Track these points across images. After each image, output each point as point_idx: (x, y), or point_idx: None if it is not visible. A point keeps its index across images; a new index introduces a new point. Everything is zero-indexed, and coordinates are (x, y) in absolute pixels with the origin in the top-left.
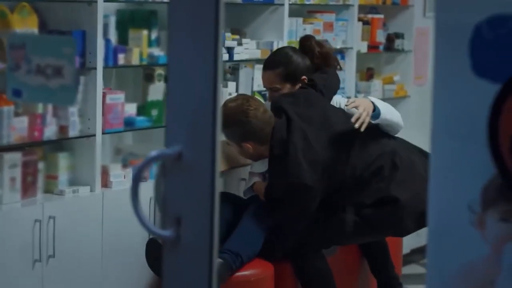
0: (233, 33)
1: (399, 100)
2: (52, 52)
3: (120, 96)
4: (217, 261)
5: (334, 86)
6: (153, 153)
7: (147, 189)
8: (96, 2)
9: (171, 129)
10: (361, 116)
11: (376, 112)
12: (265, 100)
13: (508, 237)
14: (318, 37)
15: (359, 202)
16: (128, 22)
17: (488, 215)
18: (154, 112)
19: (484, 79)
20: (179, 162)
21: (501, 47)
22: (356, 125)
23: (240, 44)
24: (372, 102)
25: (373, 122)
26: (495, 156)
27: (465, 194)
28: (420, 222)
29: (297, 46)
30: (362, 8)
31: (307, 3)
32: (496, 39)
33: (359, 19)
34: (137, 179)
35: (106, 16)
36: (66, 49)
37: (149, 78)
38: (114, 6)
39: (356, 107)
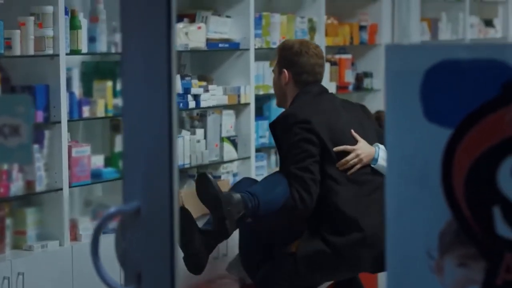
0: (199, 80)
1: None
2: (8, 111)
3: (86, 148)
4: (235, 196)
5: None
6: (111, 210)
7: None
8: (59, 55)
9: (128, 184)
10: (350, 161)
11: (374, 157)
12: (235, 145)
13: (466, 282)
14: None
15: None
16: (92, 73)
17: (446, 260)
18: (121, 163)
19: (436, 124)
20: (138, 217)
21: (451, 92)
22: (340, 168)
23: (207, 90)
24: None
25: (371, 165)
26: (450, 201)
27: (422, 239)
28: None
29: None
30: (330, 49)
31: (273, 46)
32: (446, 84)
33: (327, 60)
34: (96, 238)
35: (69, 69)
36: (22, 108)
37: (115, 128)
38: (79, 58)
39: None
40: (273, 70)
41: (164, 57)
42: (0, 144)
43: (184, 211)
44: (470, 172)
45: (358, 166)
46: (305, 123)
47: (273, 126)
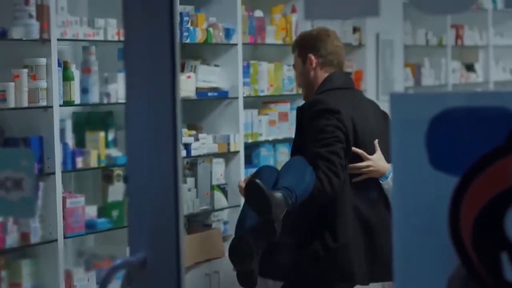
0: (189, 129)
1: None
2: (10, 165)
3: (80, 199)
4: (278, 196)
5: None
6: (117, 261)
7: None
8: (52, 107)
9: (134, 236)
10: (360, 169)
11: (385, 174)
12: (225, 193)
13: None
14: (273, 128)
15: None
16: (84, 124)
17: None
18: (115, 213)
19: (442, 171)
20: (144, 268)
21: (457, 140)
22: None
23: (197, 139)
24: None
25: (380, 181)
26: (458, 248)
27: (431, 285)
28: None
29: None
30: None
31: (261, 94)
32: (451, 132)
33: None
34: None
35: (62, 120)
36: (25, 161)
37: (108, 179)
38: (70, 109)
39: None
40: (293, 66)
41: (169, 107)
42: (2, 198)
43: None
44: (477, 219)
45: (364, 176)
46: (335, 112)
47: (300, 110)
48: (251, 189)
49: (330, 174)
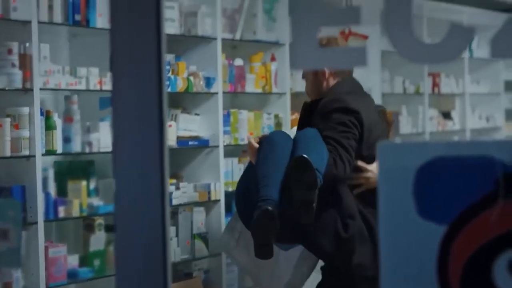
0: (170, 177)
1: None
2: None
3: (62, 249)
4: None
5: None
6: None
7: None
8: (35, 156)
9: (121, 285)
10: (363, 179)
11: None
12: (206, 242)
13: None
14: None
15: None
16: (66, 173)
17: None
18: (97, 262)
19: (430, 221)
20: None
21: (444, 189)
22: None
23: (177, 188)
24: None
25: None
26: None
27: None
28: None
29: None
30: None
31: (241, 143)
32: (438, 181)
33: None
34: None
35: (45, 170)
36: (12, 212)
37: (89, 228)
38: (51, 158)
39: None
40: (303, 76)
41: (157, 156)
42: None
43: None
44: (466, 268)
45: (363, 188)
46: (355, 112)
47: (311, 105)
48: (298, 164)
49: (342, 156)
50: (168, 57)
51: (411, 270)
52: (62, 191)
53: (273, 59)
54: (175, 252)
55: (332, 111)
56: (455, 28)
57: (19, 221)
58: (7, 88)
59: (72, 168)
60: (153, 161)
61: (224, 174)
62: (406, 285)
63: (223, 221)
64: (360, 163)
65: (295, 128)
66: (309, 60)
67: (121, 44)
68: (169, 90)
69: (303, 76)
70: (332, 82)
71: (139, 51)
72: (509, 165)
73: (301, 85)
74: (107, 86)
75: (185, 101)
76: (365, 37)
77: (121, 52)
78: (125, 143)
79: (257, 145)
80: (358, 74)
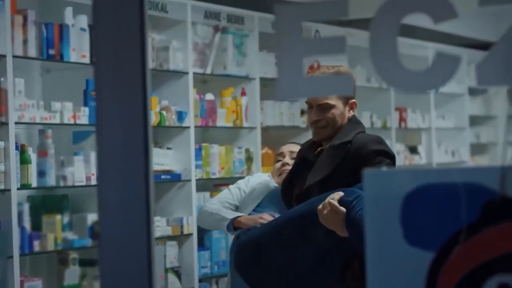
0: None
1: None
2: None
3: (37, 283)
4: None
5: None
6: None
7: None
8: (10, 190)
9: None
10: None
11: None
12: (178, 276)
13: None
14: None
15: None
16: (40, 207)
17: None
18: None
19: (417, 247)
20: None
21: (431, 216)
22: None
23: None
24: None
25: None
26: None
27: None
28: None
29: None
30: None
31: (213, 177)
32: (425, 208)
33: None
34: None
35: (20, 204)
36: None
37: (63, 262)
38: (25, 192)
39: None
40: (329, 104)
41: (142, 188)
42: None
43: None
44: None
45: None
46: (393, 157)
47: (348, 145)
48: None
49: None
50: None
51: None
52: (36, 225)
53: (243, 93)
54: None
55: (375, 153)
56: (441, 57)
57: (4, 252)
58: None
59: (46, 202)
60: (138, 192)
61: (196, 208)
62: None
63: (196, 255)
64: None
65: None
66: (296, 89)
67: (105, 75)
68: None
69: (311, 106)
70: (347, 115)
71: (124, 82)
72: (495, 191)
73: (271, 119)
74: (81, 120)
75: (158, 135)
76: None
77: (105, 84)
78: (110, 173)
79: (340, 209)
80: None
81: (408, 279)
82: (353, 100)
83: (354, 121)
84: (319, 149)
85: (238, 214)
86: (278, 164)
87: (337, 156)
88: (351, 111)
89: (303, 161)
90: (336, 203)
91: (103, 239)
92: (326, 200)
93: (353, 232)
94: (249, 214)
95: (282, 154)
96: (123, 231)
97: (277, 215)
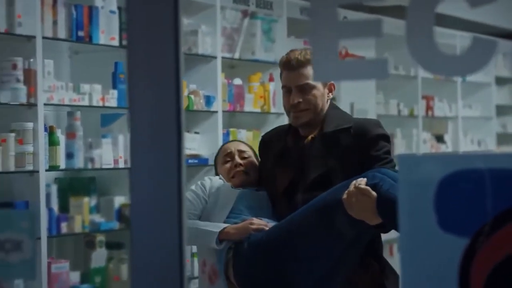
0: None
1: None
2: (10, 227)
3: (64, 265)
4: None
5: None
6: None
7: None
8: (38, 172)
9: None
10: None
11: None
12: None
13: None
14: None
15: None
16: (67, 189)
17: None
18: (98, 279)
19: (451, 233)
20: None
21: (465, 202)
22: None
23: None
24: None
25: None
26: None
27: None
28: None
29: None
30: None
31: None
32: (460, 194)
33: None
34: None
35: (48, 185)
36: (25, 223)
37: (90, 245)
38: (52, 174)
39: None
40: (310, 84)
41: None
42: (1, 260)
43: None
44: (488, 281)
45: None
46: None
47: (350, 130)
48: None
49: None
50: None
51: (432, 283)
52: (64, 207)
53: (271, 79)
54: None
55: (382, 136)
56: (477, 42)
57: (32, 232)
58: (11, 103)
59: (73, 185)
60: (171, 176)
61: None
62: None
63: None
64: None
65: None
66: (332, 72)
67: (138, 59)
68: None
69: (289, 90)
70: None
71: (156, 66)
72: None
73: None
74: (110, 102)
75: (185, 119)
76: (362, 58)
77: (137, 67)
78: (142, 158)
79: (375, 193)
80: (355, 96)
81: (442, 265)
82: (332, 82)
83: (335, 106)
84: (310, 136)
85: (223, 225)
86: (228, 165)
87: (341, 143)
88: (330, 93)
89: (284, 150)
90: (367, 187)
91: (135, 223)
92: (351, 188)
93: (389, 214)
94: (225, 222)
95: (230, 155)
96: (155, 215)
97: (266, 219)
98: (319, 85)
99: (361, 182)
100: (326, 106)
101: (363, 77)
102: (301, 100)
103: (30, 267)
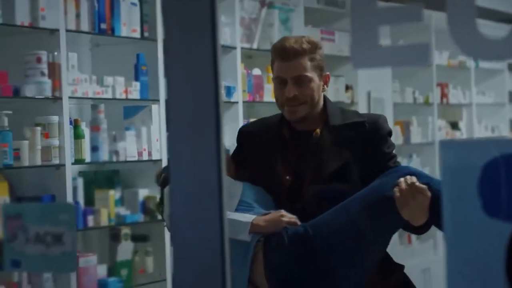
0: None
1: None
2: (50, 220)
3: (92, 258)
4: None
5: None
6: None
7: None
8: (64, 165)
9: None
10: None
11: None
12: None
13: None
14: None
15: None
16: (92, 183)
17: None
18: (124, 272)
19: (496, 218)
20: None
21: (510, 186)
22: None
23: None
24: None
25: None
26: None
27: None
28: None
29: None
30: None
31: None
32: (504, 178)
33: None
34: None
35: (73, 179)
36: (65, 215)
37: (115, 238)
38: (76, 168)
39: None
40: (307, 76)
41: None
42: (42, 253)
43: None
44: None
45: None
46: None
47: (361, 125)
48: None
49: None
50: None
51: (477, 269)
52: (89, 200)
53: None
54: None
55: (389, 133)
56: None
57: (73, 224)
58: (36, 97)
59: (98, 178)
60: (210, 167)
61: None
62: (472, 284)
63: None
64: None
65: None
66: (371, 59)
67: (175, 52)
68: None
69: (283, 81)
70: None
71: (194, 58)
72: None
73: None
74: (133, 95)
75: None
76: (380, 47)
77: (175, 60)
78: (181, 148)
79: (429, 193)
80: (371, 85)
81: (487, 251)
82: (327, 73)
83: (328, 98)
84: (317, 129)
85: (249, 216)
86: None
87: (353, 136)
88: (325, 86)
89: (282, 143)
90: (424, 186)
91: (175, 217)
92: (403, 186)
93: (436, 213)
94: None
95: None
96: (195, 209)
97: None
98: (315, 77)
99: (413, 179)
100: (322, 99)
101: (404, 64)
102: (297, 93)
103: (71, 259)
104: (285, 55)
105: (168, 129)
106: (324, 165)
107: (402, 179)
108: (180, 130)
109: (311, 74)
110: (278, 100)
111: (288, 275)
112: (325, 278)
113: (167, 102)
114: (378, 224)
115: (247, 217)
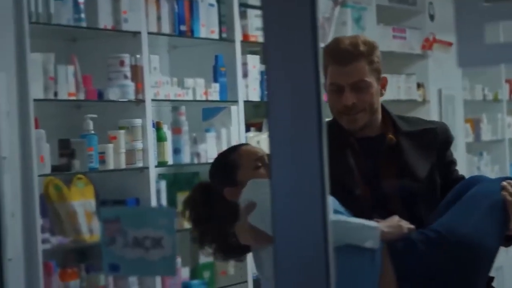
0: None
1: None
2: (149, 224)
3: (177, 261)
4: None
5: None
6: None
7: None
8: (148, 168)
9: None
10: None
11: None
12: None
13: None
14: None
15: None
16: (173, 185)
17: None
18: (207, 274)
19: None
20: None
21: None
22: None
23: None
24: None
25: None
26: None
27: None
28: None
29: None
30: None
31: None
32: None
33: None
34: None
35: (156, 182)
36: (164, 220)
37: (196, 241)
38: (157, 170)
39: None
40: (366, 82)
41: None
42: (141, 257)
43: None
44: None
45: None
46: None
47: (436, 133)
48: None
49: None
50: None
51: None
52: (172, 203)
53: None
54: None
55: (452, 142)
56: None
57: (172, 228)
58: (120, 100)
59: (179, 180)
60: (313, 169)
61: None
62: None
63: None
64: None
65: None
66: (478, 58)
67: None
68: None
69: (339, 88)
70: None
71: (294, 60)
72: None
73: (389, 93)
74: (212, 96)
75: None
76: (450, 44)
77: (276, 64)
78: (283, 153)
79: None
80: (442, 82)
81: None
82: (384, 76)
83: (385, 110)
84: (390, 135)
85: (371, 222)
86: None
87: (427, 143)
88: (382, 90)
89: (351, 148)
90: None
91: (277, 218)
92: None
93: None
94: None
95: (261, 159)
96: (298, 210)
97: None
98: (374, 81)
99: None
100: (379, 105)
101: (507, 62)
102: (355, 100)
103: (171, 263)
104: (340, 59)
105: (269, 132)
106: (413, 170)
107: (505, 183)
108: (282, 132)
109: (369, 78)
110: (334, 109)
111: (421, 279)
112: (459, 279)
113: (268, 104)
114: (497, 229)
115: (369, 223)
